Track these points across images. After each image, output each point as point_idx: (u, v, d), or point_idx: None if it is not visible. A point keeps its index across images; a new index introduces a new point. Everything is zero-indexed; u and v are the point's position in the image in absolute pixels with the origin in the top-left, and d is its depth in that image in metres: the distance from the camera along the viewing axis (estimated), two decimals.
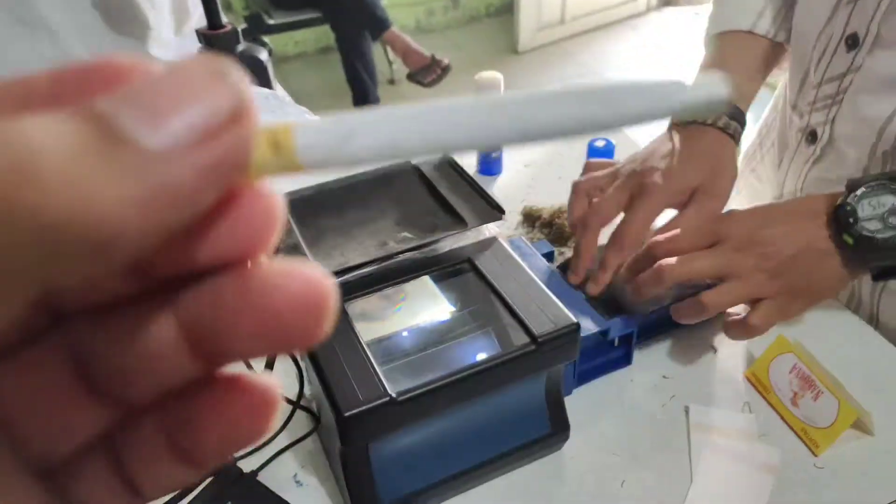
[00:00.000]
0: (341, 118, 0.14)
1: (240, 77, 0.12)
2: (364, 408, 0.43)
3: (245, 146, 0.12)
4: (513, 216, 0.82)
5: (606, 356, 0.62)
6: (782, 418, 0.57)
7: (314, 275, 0.14)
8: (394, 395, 0.44)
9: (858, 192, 0.53)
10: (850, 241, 0.53)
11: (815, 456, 0.54)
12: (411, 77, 2.64)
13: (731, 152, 0.65)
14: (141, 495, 0.15)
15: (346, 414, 0.43)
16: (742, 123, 0.67)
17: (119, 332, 0.14)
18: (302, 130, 0.14)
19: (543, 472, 0.54)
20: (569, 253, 0.74)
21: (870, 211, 0.53)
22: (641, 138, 0.96)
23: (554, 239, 0.77)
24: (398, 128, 0.14)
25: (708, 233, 0.58)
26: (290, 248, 0.53)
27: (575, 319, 0.49)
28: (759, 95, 0.72)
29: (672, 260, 0.56)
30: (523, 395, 0.52)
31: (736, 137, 0.66)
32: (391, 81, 2.88)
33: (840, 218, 0.54)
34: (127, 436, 0.15)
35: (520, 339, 0.49)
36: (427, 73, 2.54)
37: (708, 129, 0.65)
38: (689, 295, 0.58)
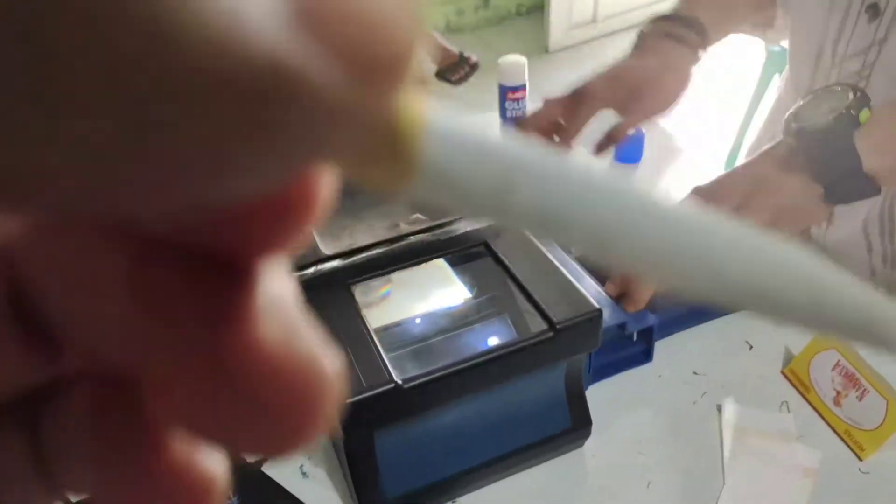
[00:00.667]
0: (508, 148, 0.10)
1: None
2: (367, 394, 0.41)
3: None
4: None
5: (624, 351, 0.59)
6: (823, 419, 0.53)
7: (306, 356, 0.10)
8: (399, 381, 0.41)
9: (802, 101, 0.53)
10: (792, 142, 0.53)
11: (860, 460, 0.50)
12: (439, 74, 2.61)
13: (682, 57, 0.63)
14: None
15: (348, 400, 0.40)
16: (701, 35, 0.64)
17: None
18: (443, 137, 0.09)
19: (563, 470, 0.51)
20: None
21: (812, 113, 0.52)
22: (671, 125, 0.92)
23: None
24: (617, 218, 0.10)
25: None
26: None
27: (597, 305, 0.46)
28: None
29: None
30: (541, 387, 0.49)
31: (691, 45, 0.64)
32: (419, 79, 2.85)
33: (785, 127, 0.54)
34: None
35: (537, 325, 0.45)
36: (455, 70, 2.51)
37: (664, 40, 0.64)
38: None
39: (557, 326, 0.44)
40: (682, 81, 0.63)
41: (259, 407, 0.09)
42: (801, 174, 0.52)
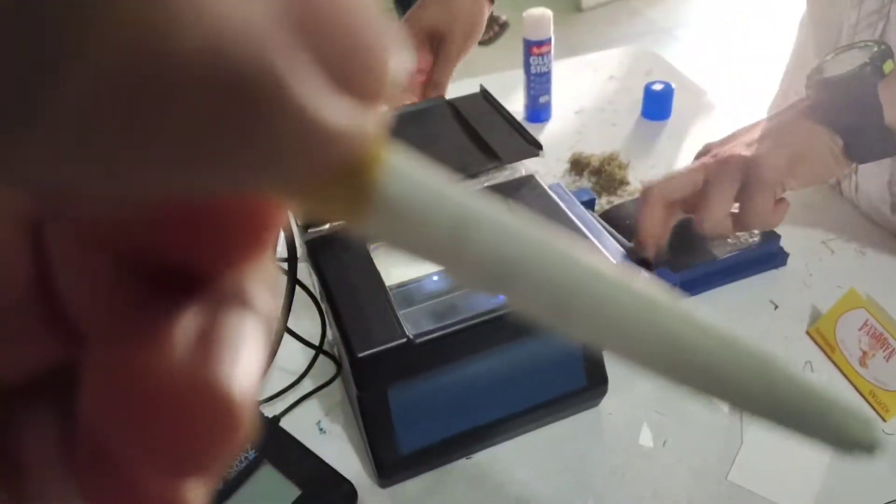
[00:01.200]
0: (467, 197, 0.10)
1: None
2: (379, 349, 0.41)
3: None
4: (561, 164, 0.77)
5: None
6: (848, 379, 0.52)
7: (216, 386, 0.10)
8: (411, 336, 0.41)
9: (829, 57, 0.52)
10: (813, 94, 0.52)
11: (884, 421, 0.49)
12: None
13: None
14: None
15: (360, 355, 0.40)
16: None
17: None
18: (403, 177, 0.09)
19: (578, 428, 0.51)
20: (617, 201, 0.70)
21: (836, 66, 0.51)
22: (705, 80, 0.89)
23: (603, 187, 0.72)
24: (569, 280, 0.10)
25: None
26: None
27: (614, 262, 0.45)
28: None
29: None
30: (556, 345, 0.49)
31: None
32: None
33: (808, 82, 0.53)
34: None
35: None
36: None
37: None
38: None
39: None
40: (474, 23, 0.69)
41: (156, 425, 0.09)
42: (820, 125, 0.51)
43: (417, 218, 0.09)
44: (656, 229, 0.54)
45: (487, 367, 0.47)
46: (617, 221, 0.62)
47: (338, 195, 0.09)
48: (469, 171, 0.51)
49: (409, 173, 0.09)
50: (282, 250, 0.50)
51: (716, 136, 0.79)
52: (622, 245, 0.57)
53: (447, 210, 0.10)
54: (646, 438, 0.50)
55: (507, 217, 0.10)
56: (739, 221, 0.53)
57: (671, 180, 0.55)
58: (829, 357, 0.54)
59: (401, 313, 0.43)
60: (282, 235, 0.49)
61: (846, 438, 0.12)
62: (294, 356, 0.58)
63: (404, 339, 0.41)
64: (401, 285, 0.47)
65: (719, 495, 0.45)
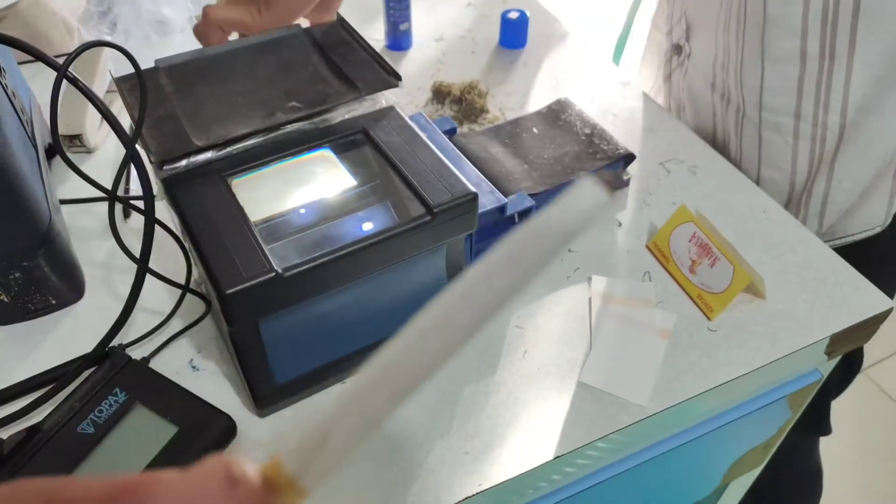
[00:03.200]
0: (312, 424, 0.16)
1: (251, 482, 0.14)
2: (247, 285, 0.41)
3: None
4: (423, 93, 0.78)
5: (504, 234, 0.61)
6: (680, 286, 0.58)
7: None
8: (279, 270, 0.42)
9: None
10: None
11: (709, 319, 0.56)
12: None
13: None
14: None
15: (228, 291, 0.41)
16: None
17: None
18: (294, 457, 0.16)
19: None
20: (478, 128, 0.72)
21: None
22: (558, 9, 0.92)
23: (464, 115, 0.74)
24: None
25: None
26: (164, 119, 0.48)
27: (473, 189, 0.47)
28: None
29: None
30: (422, 271, 0.51)
31: None
32: None
33: None
34: None
35: (417, 210, 0.47)
36: None
37: None
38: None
39: (434, 210, 0.46)
40: None
41: None
42: None
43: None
44: None
45: (356, 295, 0.48)
46: (473, 150, 0.65)
47: None
48: (328, 103, 0.51)
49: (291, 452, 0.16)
50: (137, 188, 0.48)
51: (569, 64, 0.83)
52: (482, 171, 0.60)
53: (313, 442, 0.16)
54: (508, 351, 0.54)
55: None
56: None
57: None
58: (664, 267, 0.60)
59: (267, 248, 0.43)
60: (135, 173, 0.47)
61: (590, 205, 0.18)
62: (160, 297, 0.56)
63: (272, 274, 0.42)
64: (266, 220, 0.47)
65: (573, 396, 0.51)
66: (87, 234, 0.63)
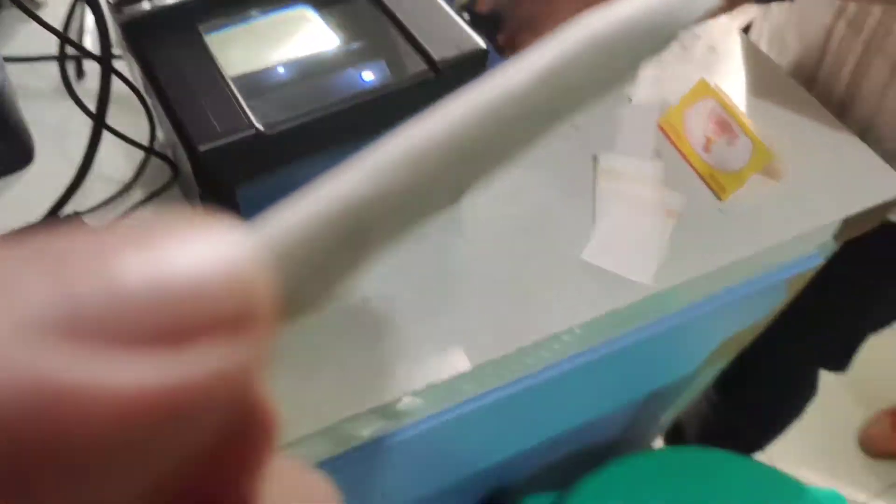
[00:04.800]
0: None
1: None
2: (223, 142, 0.36)
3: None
4: None
5: None
6: (691, 165, 0.54)
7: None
8: (261, 127, 0.36)
9: None
10: None
11: (721, 200, 0.52)
12: None
13: None
14: None
15: (202, 149, 0.35)
16: None
17: None
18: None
19: (442, 226, 0.50)
20: None
21: None
22: None
23: None
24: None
25: None
26: None
27: (483, 44, 0.41)
28: None
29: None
30: None
31: None
32: None
33: None
34: None
35: (417, 66, 0.41)
36: None
37: None
38: None
39: (439, 66, 0.40)
40: None
41: None
42: None
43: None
44: None
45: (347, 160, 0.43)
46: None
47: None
48: None
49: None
50: (93, 44, 0.41)
51: None
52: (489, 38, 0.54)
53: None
54: (506, 231, 0.50)
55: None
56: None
57: None
58: (675, 146, 0.56)
59: (247, 104, 0.37)
60: (90, 16, 0.40)
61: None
62: (120, 163, 0.50)
63: (253, 132, 0.36)
64: (245, 76, 0.41)
65: (574, 273, 0.47)
66: (36, 94, 0.56)
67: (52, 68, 0.56)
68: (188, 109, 0.37)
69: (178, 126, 0.36)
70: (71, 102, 0.53)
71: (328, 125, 0.38)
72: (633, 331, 0.53)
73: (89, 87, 0.57)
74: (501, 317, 0.45)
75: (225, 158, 0.36)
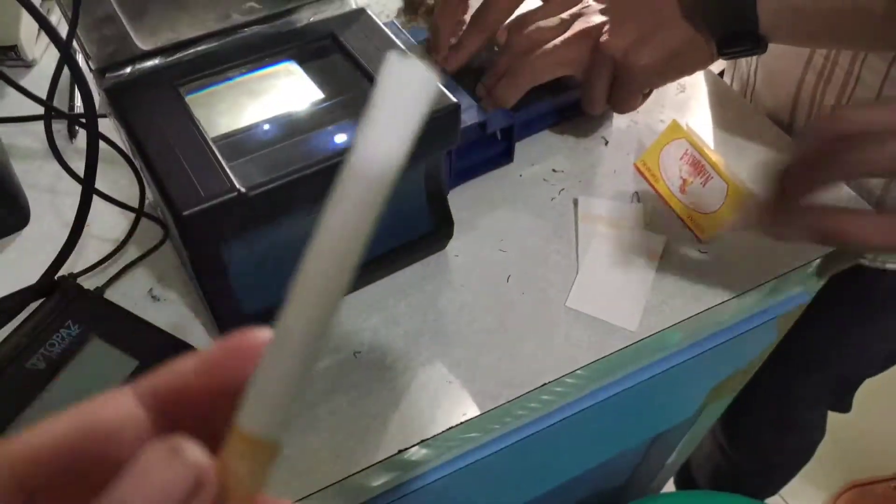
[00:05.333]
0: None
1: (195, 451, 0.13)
2: (206, 205, 0.37)
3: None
4: (393, 2, 0.72)
5: (486, 152, 0.57)
6: (669, 206, 0.56)
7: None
8: (243, 189, 0.38)
9: None
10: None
11: (701, 242, 0.53)
12: None
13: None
14: None
15: (185, 213, 0.37)
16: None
17: None
18: (244, 416, 0.15)
19: (427, 272, 0.51)
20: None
21: None
22: None
23: None
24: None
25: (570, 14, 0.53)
26: (104, 21, 0.42)
27: (455, 99, 0.43)
28: None
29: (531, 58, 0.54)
30: (400, 190, 0.47)
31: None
32: None
33: None
34: None
35: None
36: None
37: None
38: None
39: None
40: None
41: None
42: (699, 29, 0.50)
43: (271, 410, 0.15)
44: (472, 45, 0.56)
45: None
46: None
47: (263, 464, 0.15)
48: (290, 3, 0.45)
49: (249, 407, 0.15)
50: (78, 104, 0.43)
51: None
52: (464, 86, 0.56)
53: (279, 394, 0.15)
54: (492, 275, 0.51)
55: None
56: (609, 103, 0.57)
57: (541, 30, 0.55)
58: (653, 187, 0.57)
59: (228, 165, 0.39)
60: (76, 90, 0.42)
61: None
62: (113, 223, 0.52)
63: (234, 193, 0.38)
64: (225, 136, 0.42)
65: (559, 321, 0.48)
66: (29, 155, 0.58)
67: (42, 128, 0.58)
68: (171, 173, 0.38)
69: (162, 189, 0.38)
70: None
71: (310, 183, 0.39)
72: (624, 377, 0.53)
73: (81, 147, 0.59)
74: (489, 367, 0.46)
75: (208, 220, 0.37)
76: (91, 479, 0.13)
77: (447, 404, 0.44)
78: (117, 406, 0.14)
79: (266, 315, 0.46)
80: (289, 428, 0.15)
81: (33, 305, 0.45)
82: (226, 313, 0.44)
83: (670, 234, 0.54)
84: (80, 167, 0.45)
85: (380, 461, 0.42)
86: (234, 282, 0.43)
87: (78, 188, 0.45)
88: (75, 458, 0.13)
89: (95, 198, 0.45)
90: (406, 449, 0.43)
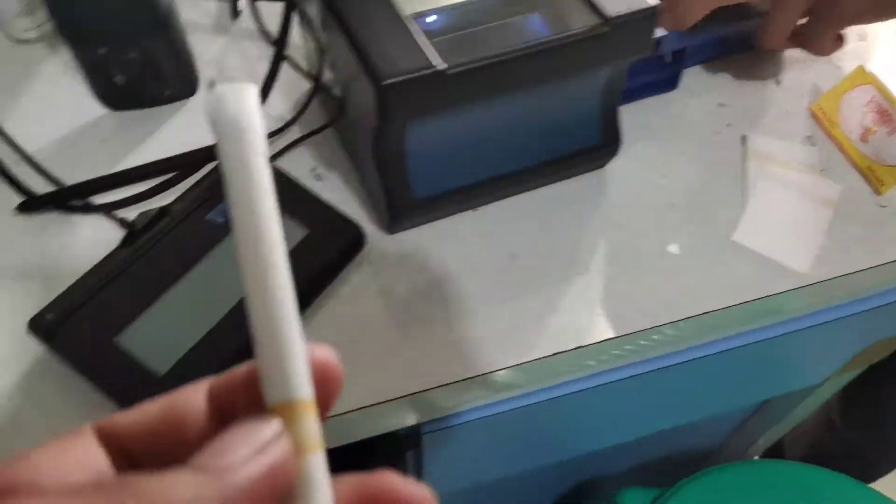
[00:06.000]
0: None
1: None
2: (406, 77, 0.37)
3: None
4: None
5: (651, 75, 0.55)
6: (846, 154, 0.52)
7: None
8: (442, 67, 0.37)
9: None
10: None
11: (879, 195, 0.50)
12: None
13: None
14: None
15: (385, 82, 0.36)
16: None
17: None
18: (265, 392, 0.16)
19: (586, 186, 0.50)
20: None
21: None
22: None
23: None
24: None
25: None
26: None
27: (652, 2, 0.41)
28: None
29: None
30: (577, 95, 0.46)
31: None
32: None
33: None
34: None
35: (583, 21, 0.41)
36: None
37: None
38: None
39: (611, 20, 0.40)
40: None
41: None
42: None
43: None
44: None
45: (507, 111, 0.43)
46: None
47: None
48: None
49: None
50: None
51: None
52: None
53: None
54: (652, 199, 0.49)
55: None
56: (793, 42, 0.52)
57: None
58: (828, 133, 0.54)
59: (426, 42, 0.38)
60: None
61: None
62: (276, 100, 0.52)
63: (433, 69, 0.37)
64: (420, 13, 0.42)
65: (724, 254, 0.47)
66: (194, 28, 0.58)
67: (211, 5, 0.59)
68: (371, 42, 0.38)
69: (363, 56, 0.37)
70: (228, 39, 0.55)
71: (507, 69, 0.38)
72: (773, 325, 0.51)
73: (244, 27, 0.59)
74: (648, 287, 0.45)
75: (406, 93, 0.37)
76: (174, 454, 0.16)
77: (588, 322, 0.44)
78: (196, 399, 0.17)
79: (432, 202, 0.46)
80: (310, 381, 0.16)
81: (208, 167, 0.47)
82: (397, 195, 0.44)
83: (846, 183, 0.51)
84: (246, 46, 0.45)
85: (551, 354, 0.42)
86: (409, 164, 0.43)
87: (241, 62, 0.45)
88: (161, 436, 0.16)
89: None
90: (558, 353, 0.42)
